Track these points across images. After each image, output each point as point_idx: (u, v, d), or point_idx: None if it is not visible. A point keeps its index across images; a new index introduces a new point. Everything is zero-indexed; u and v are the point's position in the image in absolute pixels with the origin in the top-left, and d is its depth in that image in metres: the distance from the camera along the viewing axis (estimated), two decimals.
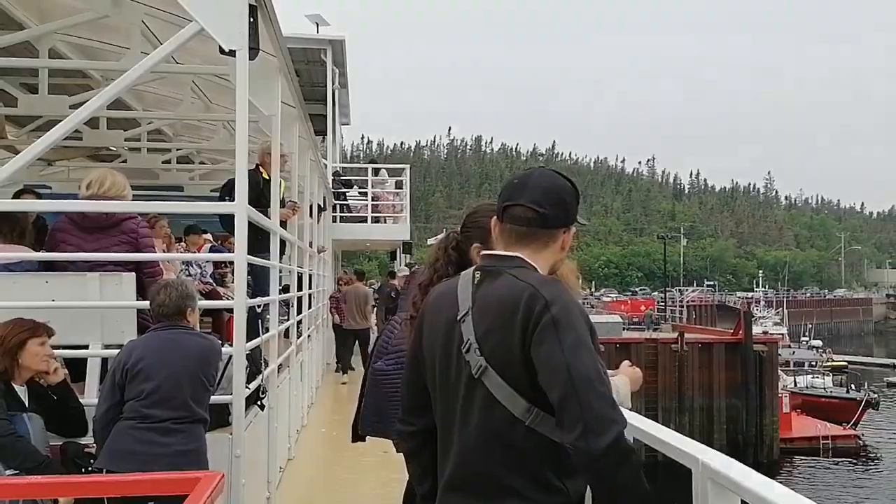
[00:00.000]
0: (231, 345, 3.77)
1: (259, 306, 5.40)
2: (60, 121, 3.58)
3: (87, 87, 7.06)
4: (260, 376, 4.48)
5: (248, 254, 4.08)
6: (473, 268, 1.86)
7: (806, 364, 35.06)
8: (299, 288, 7.67)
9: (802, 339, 46.54)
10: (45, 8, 5.88)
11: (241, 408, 3.68)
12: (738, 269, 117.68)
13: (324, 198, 10.78)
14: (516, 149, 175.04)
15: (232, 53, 3.56)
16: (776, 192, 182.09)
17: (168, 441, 3.16)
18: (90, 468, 3.22)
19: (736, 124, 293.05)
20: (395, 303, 10.11)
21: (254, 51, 3.61)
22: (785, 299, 69.43)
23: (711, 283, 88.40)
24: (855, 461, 24.00)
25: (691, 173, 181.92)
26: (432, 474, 1.87)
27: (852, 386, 30.51)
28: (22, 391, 3.25)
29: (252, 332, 5.13)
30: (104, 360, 3.66)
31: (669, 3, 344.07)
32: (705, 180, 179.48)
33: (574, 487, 1.69)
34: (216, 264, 6.79)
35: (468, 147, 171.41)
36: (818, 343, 46.70)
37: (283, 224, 6.43)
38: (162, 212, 5.54)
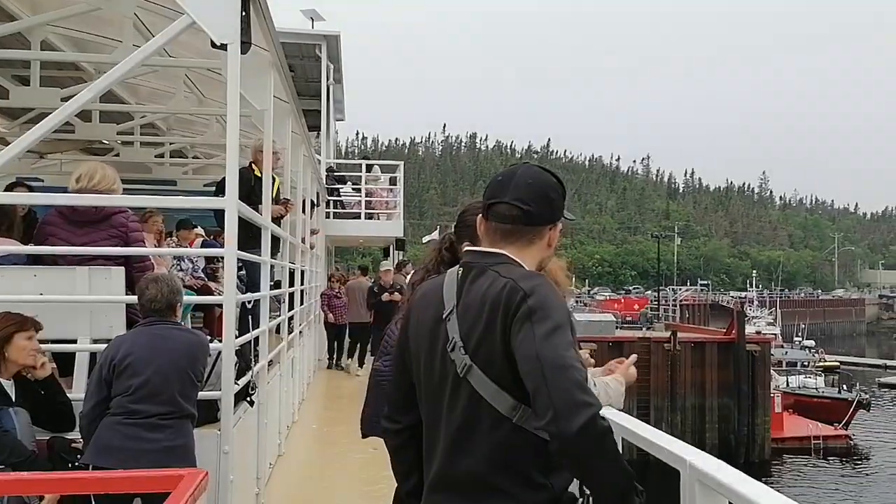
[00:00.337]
0: (221, 340, 3.74)
1: (250, 302, 5.37)
2: (52, 113, 3.55)
3: (80, 79, 7.01)
4: (250, 372, 4.45)
5: (241, 249, 4.06)
6: (458, 265, 1.85)
7: (798, 364, 35.21)
8: (291, 284, 7.65)
9: (795, 339, 46.74)
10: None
11: (230, 404, 3.66)
12: (731, 269, 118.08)
13: (317, 193, 10.76)
14: (511, 146, 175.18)
15: (224, 47, 3.53)
16: (771, 191, 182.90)
17: (155, 437, 3.14)
18: (77, 463, 3.20)
19: (731, 123, 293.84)
20: (377, 297, 10.03)
21: (246, 45, 3.58)
22: (778, 299, 69.68)
23: (705, 282, 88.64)
24: (845, 461, 24.13)
25: (686, 172, 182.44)
26: (417, 472, 1.87)
27: (844, 386, 30.64)
28: (9, 385, 3.22)
29: (243, 328, 5.11)
30: (92, 355, 3.63)
31: (666, 2, 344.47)
32: (700, 179, 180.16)
33: (559, 483, 1.69)
34: (208, 259, 6.76)
35: (463, 144, 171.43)
36: (811, 343, 46.90)
37: (277, 221, 6.41)
38: (153, 206, 5.51)
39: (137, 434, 3.11)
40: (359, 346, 11.98)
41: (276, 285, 7.27)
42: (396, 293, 10.07)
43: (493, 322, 1.65)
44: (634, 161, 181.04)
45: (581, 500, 1.81)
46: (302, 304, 8.66)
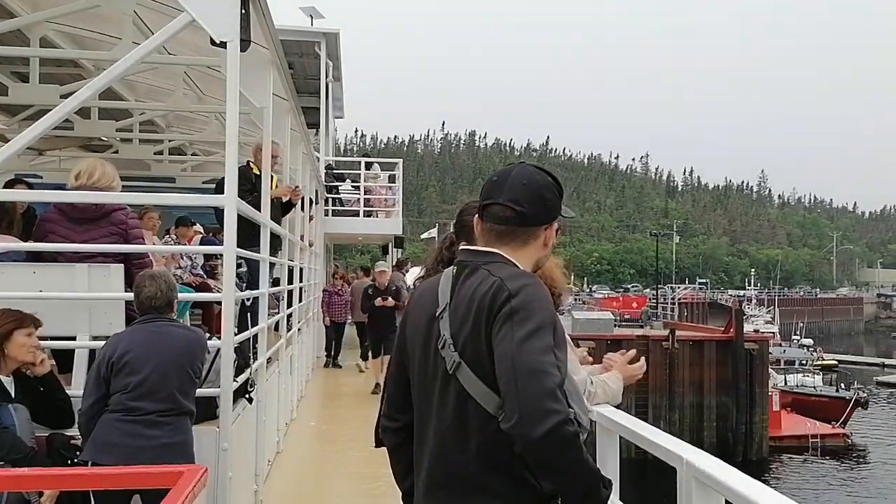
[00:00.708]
0: (220, 337, 3.75)
1: (249, 299, 5.38)
2: (51, 110, 3.55)
3: (79, 76, 7.01)
4: (249, 369, 4.46)
5: (241, 247, 4.06)
6: (453, 264, 1.86)
7: (796, 362, 35.26)
8: (290, 281, 7.65)
9: (793, 337, 46.81)
10: None
11: (229, 401, 3.67)
12: (730, 267, 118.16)
13: (316, 191, 10.75)
14: (510, 144, 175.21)
15: (223, 45, 3.53)
16: (769, 190, 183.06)
17: (154, 433, 3.14)
18: (76, 460, 3.21)
19: (730, 122, 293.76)
20: (371, 300, 9.73)
21: (245, 42, 3.58)
22: (776, 298, 69.74)
23: (703, 280, 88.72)
24: (843, 459, 24.17)
25: (685, 170, 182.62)
26: (414, 472, 1.87)
27: (842, 385, 30.69)
28: (8, 382, 3.23)
29: (242, 325, 5.12)
30: (91, 352, 3.64)
31: (665, 3, 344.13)
32: (699, 178, 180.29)
33: (547, 484, 1.69)
34: (207, 257, 6.76)
35: (462, 142, 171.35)
36: (809, 342, 46.95)
37: (288, 206, 6.43)
38: (153, 203, 5.51)
39: (136, 431, 3.12)
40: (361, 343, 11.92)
41: (276, 283, 7.27)
42: (390, 298, 9.71)
43: (479, 320, 1.66)
44: (633, 159, 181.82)
45: None
46: (301, 301, 8.67)
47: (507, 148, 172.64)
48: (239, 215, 3.87)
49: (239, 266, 6.01)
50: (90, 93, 3.64)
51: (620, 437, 2.60)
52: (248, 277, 6.05)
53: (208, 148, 9.80)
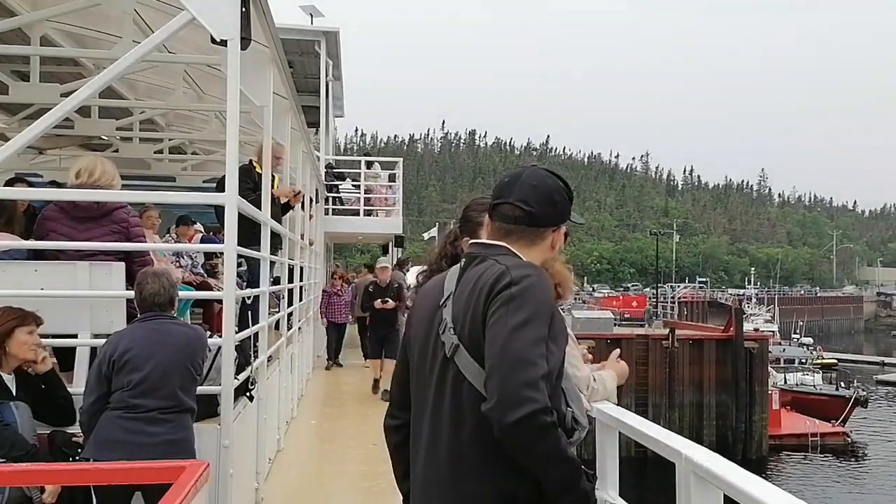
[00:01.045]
0: (220, 335, 3.76)
1: (249, 298, 5.39)
2: (51, 109, 3.56)
3: (80, 75, 7.02)
4: (249, 367, 4.47)
5: (242, 246, 4.07)
6: (462, 257, 1.89)
7: (796, 361, 35.24)
8: (290, 280, 7.67)
9: (793, 336, 46.77)
10: None
11: (230, 398, 3.68)
12: (730, 266, 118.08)
13: (316, 190, 10.76)
14: (510, 143, 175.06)
15: (223, 43, 3.54)
16: (769, 189, 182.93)
17: (156, 430, 3.16)
18: (77, 457, 3.22)
19: (731, 121, 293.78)
20: (371, 299, 9.44)
21: (245, 41, 3.59)
22: (776, 296, 69.75)
23: (703, 279, 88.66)
24: (843, 458, 24.19)
25: (685, 169, 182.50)
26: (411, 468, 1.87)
27: (842, 383, 30.70)
28: (9, 379, 3.24)
29: (242, 324, 5.13)
30: (93, 350, 3.65)
31: (667, 2, 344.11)
32: (699, 177, 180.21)
33: None
34: (208, 256, 6.77)
35: (462, 141, 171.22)
36: (809, 340, 46.94)
37: (286, 206, 6.44)
38: (155, 202, 5.52)
39: (138, 428, 3.14)
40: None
41: (277, 282, 7.28)
42: (390, 300, 9.41)
43: (478, 303, 1.69)
44: (633, 158, 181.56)
45: None
46: (301, 300, 8.68)
47: (507, 147, 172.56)
48: (240, 214, 3.89)
49: (239, 265, 6.02)
50: (90, 91, 3.65)
51: (620, 434, 2.61)
52: (249, 276, 6.07)
53: (208, 147, 9.81)
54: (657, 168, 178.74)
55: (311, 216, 10.02)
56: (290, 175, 7.30)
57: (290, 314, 7.58)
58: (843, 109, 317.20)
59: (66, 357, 3.85)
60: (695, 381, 21.73)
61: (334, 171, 15.23)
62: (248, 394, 4.44)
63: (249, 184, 5.20)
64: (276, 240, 6.14)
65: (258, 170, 5.67)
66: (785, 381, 30.05)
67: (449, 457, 1.71)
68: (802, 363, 35.34)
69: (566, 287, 2.58)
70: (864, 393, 29.27)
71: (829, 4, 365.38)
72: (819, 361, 39.04)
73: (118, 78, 5.50)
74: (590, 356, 2.88)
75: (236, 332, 4.07)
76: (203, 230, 7.62)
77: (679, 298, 53.21)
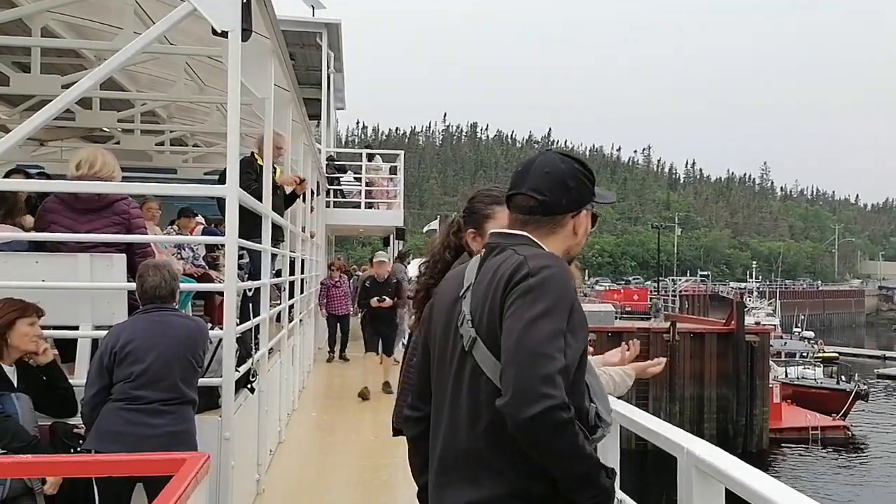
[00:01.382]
0: (222, 328, 3.76)
1: (250, 290, 5.39)
2: (53, 100, 3.55)
3: (81, 66, 6.99)
4: (250, 359, 4.48)
5: (243, 238, 4.06)
6: (483, 246, 1.85)
7: (797, 355, 35.27)
8: (291, 272, 7.66)
9: (794, 329, 46.81)
10: None
11: (231, 390, 3.68)
12: (731, 260, 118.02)
13: (317, 182, 10.74)
14: (512, 136, 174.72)
15: (224, 34, 3.52)
16: (772, 182, 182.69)
17: (157, 422, 3.16)
18: (79, 449, 3.23)
19: (733, 114, 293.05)
20: (368, 295, 9.00)
21: (246, 32, 3.58)
22: (778, 290, 69.72)
23: (705, 273, 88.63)
24: (843, 451, 24.23)
25: (687, 162, 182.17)
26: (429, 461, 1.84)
27: (842, 377, 30.72)
28: (11, 371, 3.24)
29: (244, 316, 5.13)
30: (94, 341, 3.65)
31: None
32: (701, 170, 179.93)
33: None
34: (209, 248, 6.77)
35: (464, 133, 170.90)
36: (810, 334, 46.97)
37: (292, 197, 6.42)
38: (154, 194, 5.51)
39: (140, 420, 3.14)
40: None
41: (278, 274, 7.28)
42: (387, 298, 8.98)
43: (496, 295, 1.65)
44: (635, 151, 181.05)
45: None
46: (302, 292, 8.68)
47: (509, 140, 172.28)
48: (242, 206, 3.88)
49: (241, 257, 6.02)
50: (91, 83, 3.64)
51: (621, 427, 2.61)
52: (251, 269, 6.06)
53: (210, 139, 9.79)
54: (659, 161, 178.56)
55: (312, 208, 10.01)
56: (291, 167, 7.27)
57: (291, 306, 7.58)
58: (846, 103, 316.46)
59: (67, 348, 3.85)
60: (696, 375, 21.76)
61: (335, 163, 15.20)
62: (249, 386, 4.45)
63: (251, 175, 5.18)
64: (278, 232, 6.14)
65: (259, 162, 5.66)
66: (786, 375, 30.08)
67: (465, 450, 1.68)
68: (803, 357, 35.38)
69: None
70: (865, 387, 29.29)
71: (831, 1, 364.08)
72: (820, 355, 39.05)
73: (119, 69, 5.48)
74: (591, 349, 2.87)
75: (237, 325, 4.07)
76: (204, 222, 7.63)
77: (680, 292, 53.21)
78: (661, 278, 58.01)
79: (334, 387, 10.15)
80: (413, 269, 10.48)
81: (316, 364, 11.14)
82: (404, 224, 16.69)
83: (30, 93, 6.66)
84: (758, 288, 69.38)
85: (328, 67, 14.63)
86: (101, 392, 3.17)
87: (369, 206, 14.68)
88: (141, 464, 1.98)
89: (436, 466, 1.77)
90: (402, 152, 15.80)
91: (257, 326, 5.06)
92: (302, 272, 8.57)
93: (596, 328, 19.81)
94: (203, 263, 6.64)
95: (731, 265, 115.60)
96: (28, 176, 4.93)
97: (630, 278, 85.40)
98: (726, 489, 1.91)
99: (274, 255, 6.20)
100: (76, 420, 3.36)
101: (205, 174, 9.62)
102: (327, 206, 13.68)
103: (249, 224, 5.03)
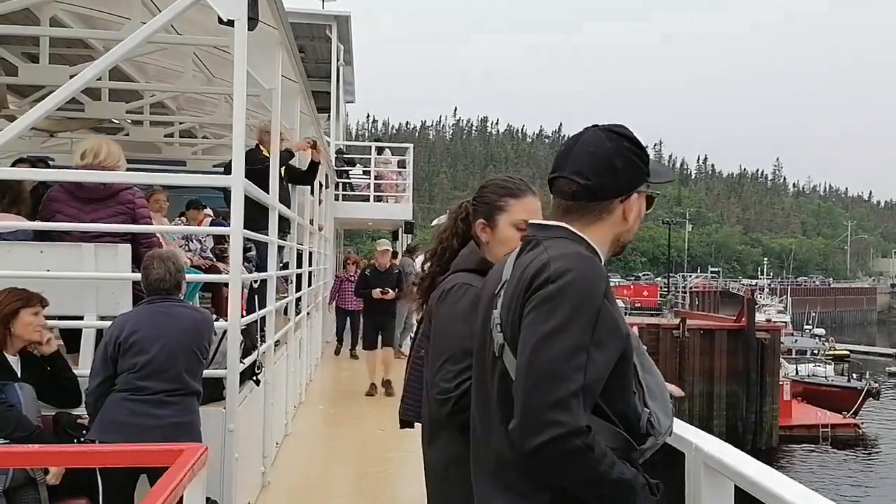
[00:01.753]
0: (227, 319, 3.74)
1: (256, 281, 5.37)
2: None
3: (89, 57, 6.98)
4: (256, 351, 4.46)
5: (250, 230, 4.04)
6: (521, 239, 1.73)
7: (808, 352, 35.09)
8: (299, 265, 7.64)
9: (806, 327, 46.55)
10: None
11: (236, 382, 3.67)
12: (742, 256, 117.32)
13: (326, 175, 10.72)
14: (522, 130, 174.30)
15: (231, 23, 3.49)
16: (784, 178, 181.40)
17: (162, 413, 3.15)
18: (83, 439, 3.22)
19: (746, 109, 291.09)
20: (368, 284, 8.65)
21: (253, 21, 3.55)
22: (789, 287, 69.31)
23: (716, 269, 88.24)
24: (854, 450, 24.07)
25: (698, 158, 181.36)
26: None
27: (854, 375, 30.53)
28: (14, 361, 3.24)
29: (250, 308, 5.11)
30: (99, 332, 3.64)
31: None
32: (713, 166, 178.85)
33: None
34: (217, 240, 6.75)
35: (474, 128, 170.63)
36: (821, 331, 46.69)
37: (314, 168, 6.24)
38: (158, 183, 5.49)
39: (144, 410, 3.13)
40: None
41: (286, 267, 7.26)
42: (390, 290, 8.58)
43: (518, 300, 1.53)
44: (646, 146, 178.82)
45: None
46: (310, 285, 8.66)
47: (520, 134, 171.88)
48: (248, 197, 3.85)
49: (249, 250, 6.00)
50: (96, 71, 3.63)
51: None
52: (258, 261, 6.04)
53: (219, 131, 9.78)
54: (670, 156, 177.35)
55: (320, 201, 9.98)
56: (299, 159, 7.24)
57: (298, 299, 7.56)
58: (859, 100, 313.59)
59: (72, 339, 3.85)
60: (705, 371, 21.66)
61: (344, 156, 15.18)
62: (254, 378, 4.43)
63: (257, 166, 5.15)
64: (285, 224, 6.11)
65: (265, 153, 5.63)
66: (797, 372, 29.94)
67: (493, 459, 1.59)
68: (814, 354, 35.21)
69: None
70: (876, 385, 29.11)
71: None
72: (831, 353, 38.88)
73: (125, 59, 5.47)
74: (644, 346, 2.78)
75: (243, 316, 4.05)
76: (213, 215, 7.60)
77: (691, 288, 52.98)
78: (671, 274, 57.70)
79: (342, 380, 10.14)
80: (420, 263, 10.35)
81: (324, 357, 11.13)
82: (413, 218, 16.64)
83: (39, 83, 6.66)
84: (769, 285, 69.02)
85: (338, 60, 14.58)
86: (105, 382, 3.16)
87: (378, 199, 14.65)
88: (138, 454, 1.96)
89: (472, 469, 1.70)
90: (412, 145, 15.75)
91: (263, 318, 5.04)
92: (310, 265, 8.55)
93: None
94: (211, 256, 6.62)
95: (743, 262, 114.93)
96: (34, 166, 4.92)
97: (640, 274, 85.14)
98: (736, 486, 1.87)
99: (281, 247, 6.18)
100: (80, 410, 3.35)
101: (214, 166, 9.60)
102: (336, 200, 13.66)
103: (255, 215, 5.01)
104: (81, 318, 3.72)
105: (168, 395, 3.17)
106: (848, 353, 42.99)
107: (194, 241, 6.39)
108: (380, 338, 8.64)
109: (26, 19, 6.07)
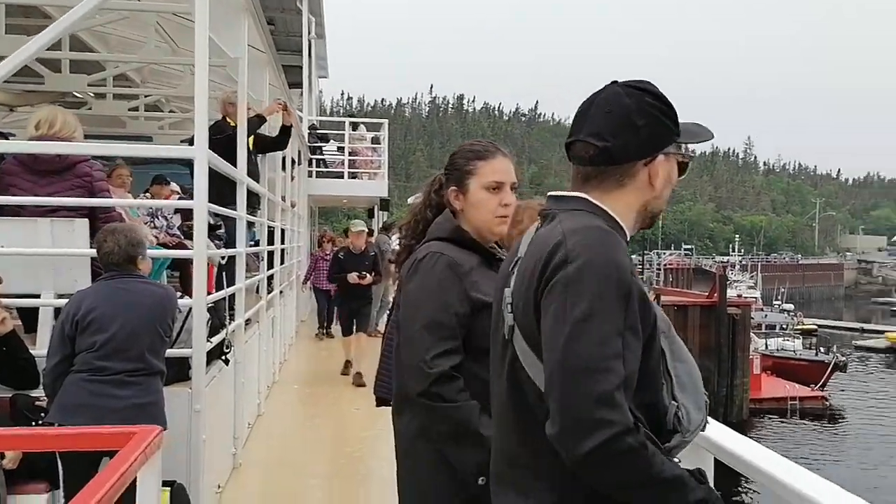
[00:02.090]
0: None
1: (225, 259, 5.22)
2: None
3: None
4: (224, 330, 4.34)
5: (218, 205, 3.90)
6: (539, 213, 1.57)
7: (777, 327, 35.73)
8: (271, 242, 7.49)
9: (775, 302, 47.37)
10: None
11: (202, 361, 3.55)
12: (715, 234, 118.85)
13: (298, 151, 10.51)
14: (499, 108, 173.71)
15: None
16: (755, 157, 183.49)
17: (123, 394, 3.03)
18: (41, 422, 3.09)
19: (718, 88, 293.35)
20: (342, 268, 8.16)
21: None
22: (759, 264, 70.43)
23: (689, 246, 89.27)
24: (821, 421, 24.66)
25: None
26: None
27: (821, 349, 31.18)
28: None
29: (219, 286, 4.98)
30: (57, 310, 3.49)
31: None
32: None
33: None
34: (186, 217, 6.57)
35: (450, 105, 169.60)
36: (790, 307, 47.57)
37: (287, 131, 6.05)
38: (119, 155, 5.29)
39: (105, 391, 3.01)
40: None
41: (257, 244, 7.11)
42: (367, 275, 8.12)
43: (532, 281, 1.37)
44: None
45: None
46: (283, 263, 8.51)
47: (496, 112, 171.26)
48: (214, 171, 3.70)
49: (218, 227, 5.83)
50: (51, 35, 3.44)
51: None
52: (228, 239, 5.89)
53: (186, 105, 9.49)
54: None
55: (293, 177, 9.79)
56: (268, 128, 7.05)
57: (270, 277, 7.41)
58: (830, 79, 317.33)
59: (29, 318, 3.70)
60: None
61: (318, 132, 14.92)
62: (223, 357, 4.32)
63: (222, 139, 4.99)
64: (254, 199, 5.95)
65: (232, 123, 5.46)
66: (766, 347, 30.48)
67: (508, 451, 1.47)
68: (783, 329, 35.86)
69: None
70: (843, 358, 29.76)
71: None
72: (799, 327, 39.66)
73: (84, 26, 5.23)
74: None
75: (210, 293, 3.92)
76: (180, 191, 7.40)
77: (665, 265, 53.55)
78: (645, 252, 58.25)
79: (318, 359, 10.03)
80: (397, 240, 10.19)
81: (299, 337, 11.00)
82: (389, 195, 16.46)
83: None
84: (740, 261, 70.03)
85: (309, 33, 14.26)
86: (62, 362, 3.03)
87: (353, 176, 14.45)
88: (90, 437, 1.85)
89: (491, 461, 1.57)
90: (387, 121, 15.55)
91: (232, 296, 4.91)
92: (282, 242, 8.39)
93: None
94: (178, 233, 6.44)
95: (715, 239, 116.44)
96: None
97: None
98: (715, 459, 1.83)
99: (251, 224, 6.03)
100: (38, 392, 3.21)
101: (181, 141, 9.35)
102: (309, 176, 13.44)
103: (225, 191, 4.86)
104: (38, 296, 3.57)
105: (129, 375, 3.05)
106: (815, 327, 43.91)
107: (160, 217, 6.20)
108: (356, 323, 8.30)
109: None
